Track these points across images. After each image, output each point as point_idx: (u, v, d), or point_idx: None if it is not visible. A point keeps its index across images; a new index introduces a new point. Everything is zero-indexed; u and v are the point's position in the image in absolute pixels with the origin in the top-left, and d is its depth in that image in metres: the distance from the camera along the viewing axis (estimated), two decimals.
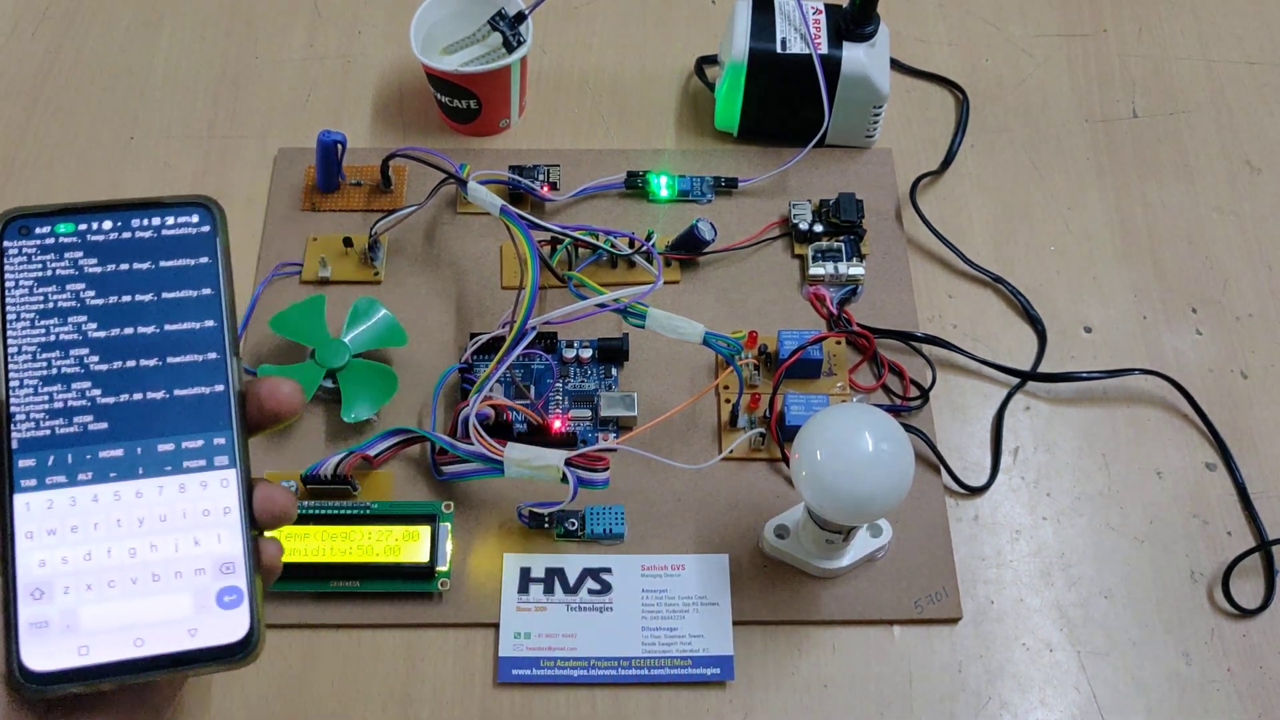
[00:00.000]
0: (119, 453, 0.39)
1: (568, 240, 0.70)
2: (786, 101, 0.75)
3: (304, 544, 0.61)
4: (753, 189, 0.77)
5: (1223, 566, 0.64)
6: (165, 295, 0.41)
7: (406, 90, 0.82)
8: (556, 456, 0.60)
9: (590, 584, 0.63)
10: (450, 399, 0.69)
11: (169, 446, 0.39)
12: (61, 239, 0.41)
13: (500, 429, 0.66)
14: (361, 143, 0.79)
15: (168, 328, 0.40)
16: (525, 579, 0.63)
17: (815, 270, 0.73)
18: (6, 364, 0.39)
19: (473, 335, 0.69)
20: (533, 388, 0.68)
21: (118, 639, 0.37)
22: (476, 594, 0.63)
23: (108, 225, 0.41)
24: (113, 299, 0.40)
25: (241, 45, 0.84)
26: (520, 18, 0.74)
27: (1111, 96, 0.83)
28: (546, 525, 0.64)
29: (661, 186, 0.76)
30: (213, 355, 0.40)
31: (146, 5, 0.86)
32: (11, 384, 0.39)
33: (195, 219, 0.42)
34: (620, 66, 0.84)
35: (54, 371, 0.39)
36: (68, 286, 0.40)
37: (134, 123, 0.80)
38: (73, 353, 0.40)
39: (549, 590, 0.62)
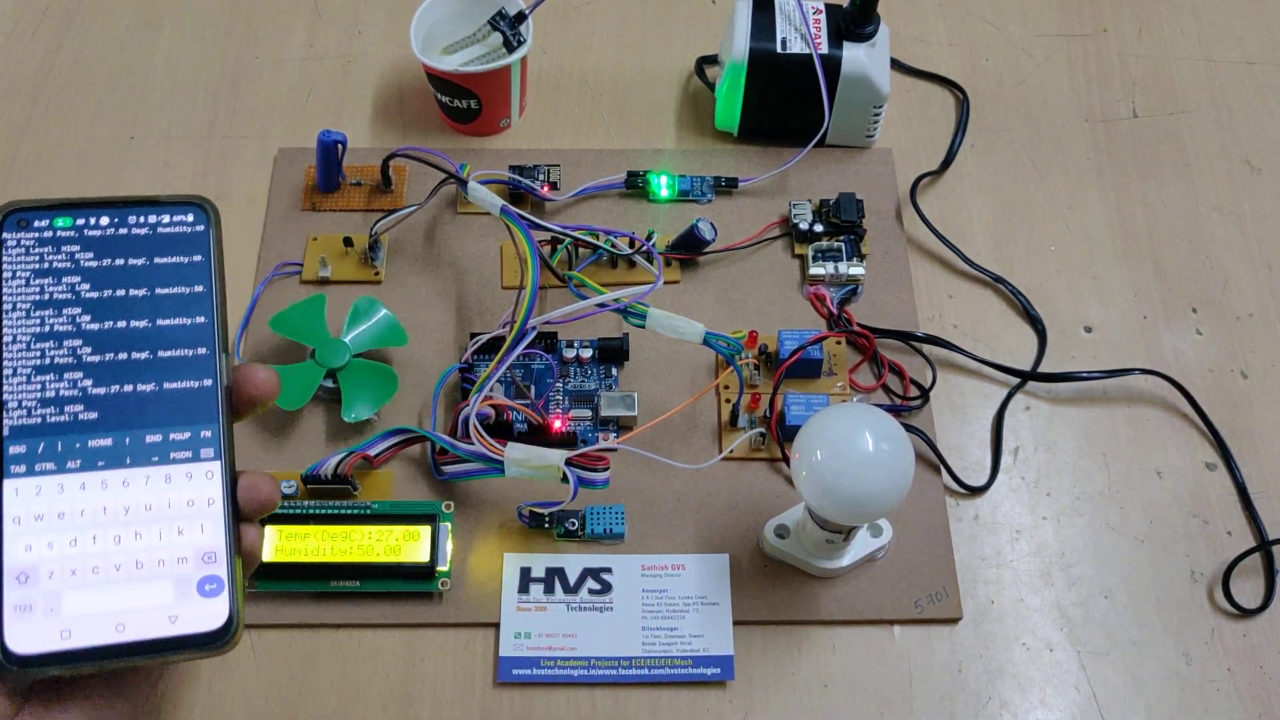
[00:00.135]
0: (108, 442, 0.40)
1: (568, 240, 0.70)
2: (786, 101, 0.75)
3: (304, 544, 0.61)
4: (753, 189, 0.77)
5: (1223, 566, 0.64)
6: (159, 291, 0.42)
7: (407, 90, 0.82)
8: (557, 456, 0.60)
9: (590, 584, 0.63)
10: (450, 399, 0.69)
11: (157, 438, 0.40)
12: (59, 233, 0.41)
13: (500, 429, 0.66)
14: (362, 143, 0.79)
15: (160, 323, 0.41)
16: (525, 579, 0.63)
17: (815, 270, 0.73)
18: (1, 353, 0.40)
19: (473, 335, 0.69)
20: (533, 388, 0.69)
21: (100, 624, 0.38)
22: (477, 594, 0.63)
23: (104, 221, 0.42)
24: (107, 293, 0.41)
25: (241, 45, 0.84)
26: (520, 17, 0.74)
27: (1111, 96, 0.83)
28: (547, 525, 0.64)
29: (662, 186, 0.76)
30: (202, 351, 0.41)
31: (146, 5, 0.86)
32: (5, 371, 0.40)
33: (190, 218, 0.43)
34: (620, 66, 0.84)
35: (47, 361, 0.40)
36: (63, 279, 0.41)
37: (134, 123, 0.80)
38: (66, 343, 0.41)
39: (549, 590, 0.62)
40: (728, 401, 0.68)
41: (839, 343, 0.70)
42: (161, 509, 0.39)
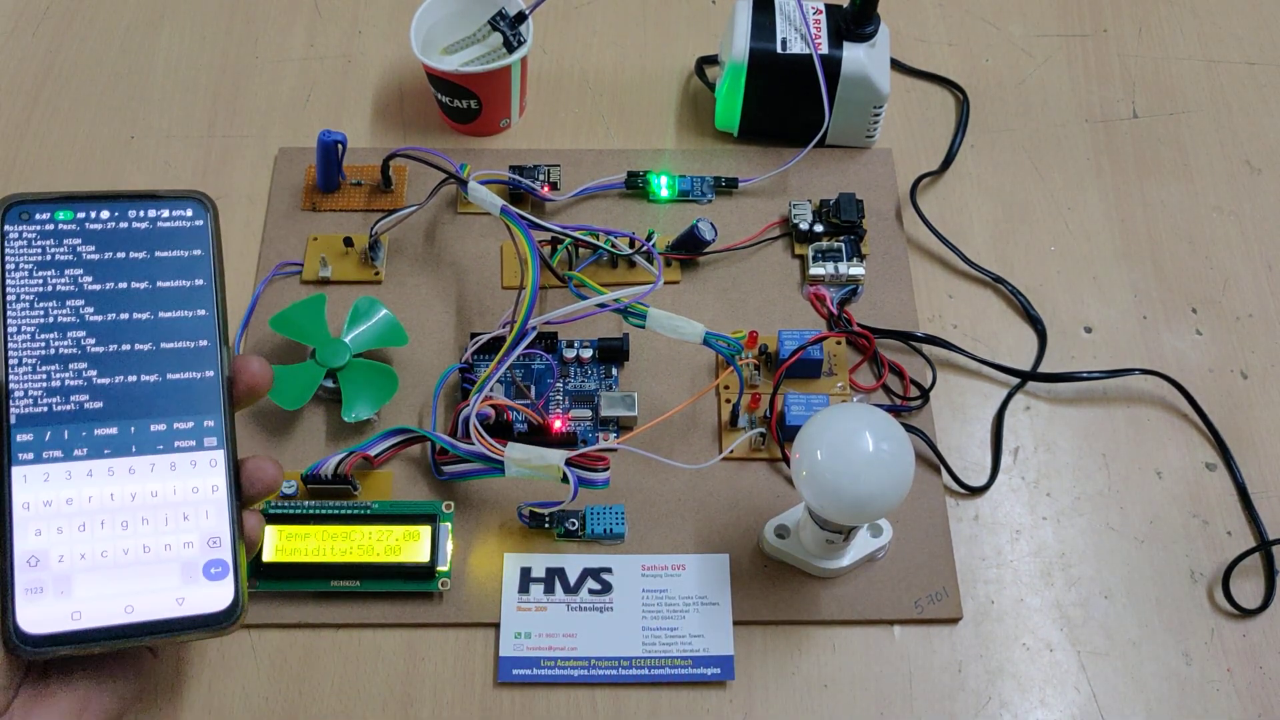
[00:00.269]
0: (113, 431, 0.41)
1: (568, 240, 0.70)
2: (786, 102, 0.75)
3: (304, 544, 0.61)
4: (753, 189, 0.77)
5: (1223, 566, 0.64)
6: (160, 284, 0.42)
7: (407, 90, 0.82)
8: (557, 456, 0.60)
9: (591, 584, 0.63)
10: (450, 399, 0.69)
11: (161, 427, 0.41)
12: (61, 225, 0.42)
13: (500, 429, 0.66)
14: (362, 143, 0.79)
15: (161, 314, 0.42)
16: (526, 579, 0.63)
17: (815, 270, 0.73)
18: (6, 343, 0.41)
19: (473, 335, 0.69)
20: (533, 388, 0.69)
21: (109, 606, 0.39)
22: (477, 594, 0.63)
23: (105, 214, 0.43)
24: (109, 285, 0.42)
25: (241, 45, 0.84)
26: (520, 18, 0.74)
27: (1111, 96, 0.83)
28: (547, 525, 0.64)
29: (662, 186, 0.76)
30: (204, 342, 0.42)
31: (146, 5, 0.86)
32: (10, 362, 0.41)
33: (189, 212, 0.43)
34: (620, 66, 0.84)
35: (51, 351, 0.41)
36: (66, 271, 0.42)
37: (134, 122, 0.80)
38: (70, 334, 0.41)
39: (549, 590, 0.63)
40: (728, 401, 0.68)
41: (839, 343, 0.70)
42: (167, 496, 0.41)
